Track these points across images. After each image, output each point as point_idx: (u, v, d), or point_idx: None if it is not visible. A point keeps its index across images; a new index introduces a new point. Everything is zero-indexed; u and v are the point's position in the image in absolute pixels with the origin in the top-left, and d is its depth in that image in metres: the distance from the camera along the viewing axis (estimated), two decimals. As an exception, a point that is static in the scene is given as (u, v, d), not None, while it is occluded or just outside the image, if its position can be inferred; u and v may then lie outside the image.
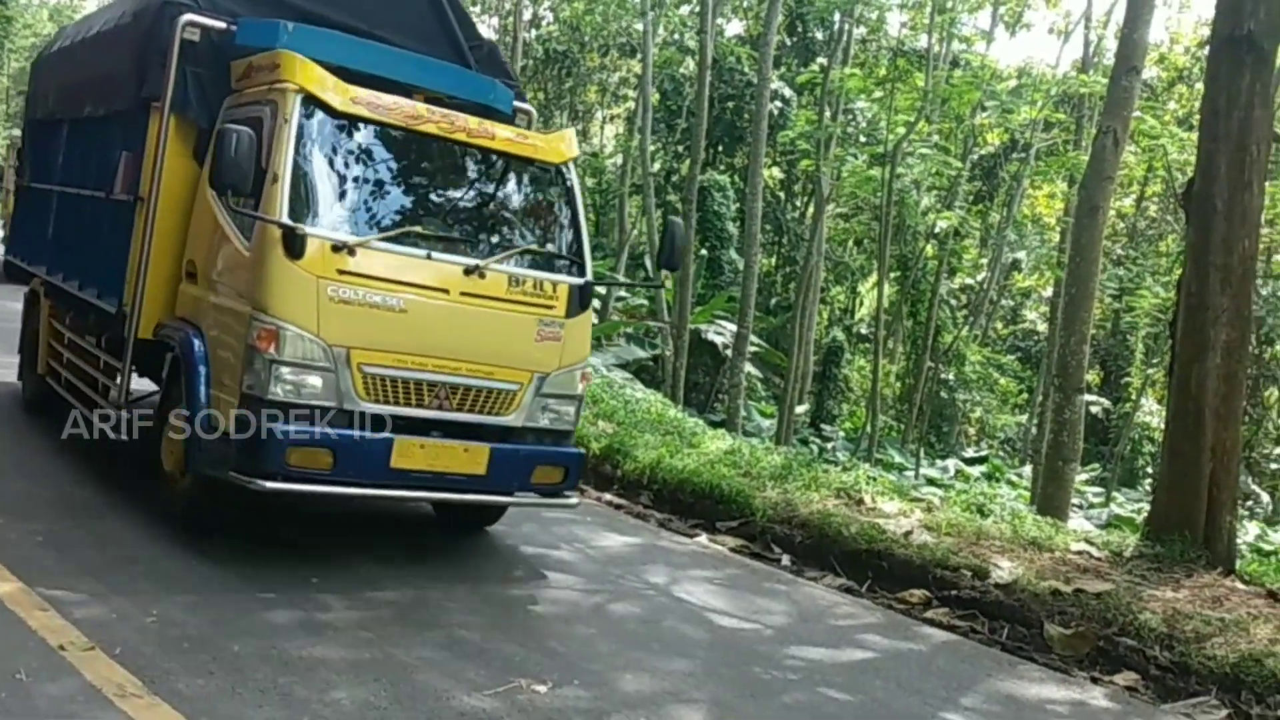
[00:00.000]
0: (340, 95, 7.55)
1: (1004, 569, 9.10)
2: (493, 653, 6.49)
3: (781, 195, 37.90)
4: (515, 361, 7.94)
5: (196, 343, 7.76)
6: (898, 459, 23.39)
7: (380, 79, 8.09)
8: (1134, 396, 27.00)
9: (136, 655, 5.62)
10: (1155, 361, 20.31)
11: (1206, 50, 11.62)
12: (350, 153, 7.79)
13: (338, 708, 5.46)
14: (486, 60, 9.71)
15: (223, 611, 6.53)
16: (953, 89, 24.10)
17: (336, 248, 7.25)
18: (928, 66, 25.64)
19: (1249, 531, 11.98)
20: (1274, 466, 17.09)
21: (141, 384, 8.94)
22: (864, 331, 36.63)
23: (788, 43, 34.73)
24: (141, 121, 8.52)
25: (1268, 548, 11.40)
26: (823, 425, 30.28)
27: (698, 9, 23.66)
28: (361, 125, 7.72)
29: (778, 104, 30.97)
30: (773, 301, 36.05)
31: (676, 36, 36.17)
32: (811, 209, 32.72)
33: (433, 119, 7.89)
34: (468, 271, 7.67)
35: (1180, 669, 7.72)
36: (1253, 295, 10.53)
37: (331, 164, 7.71)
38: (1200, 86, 11.70)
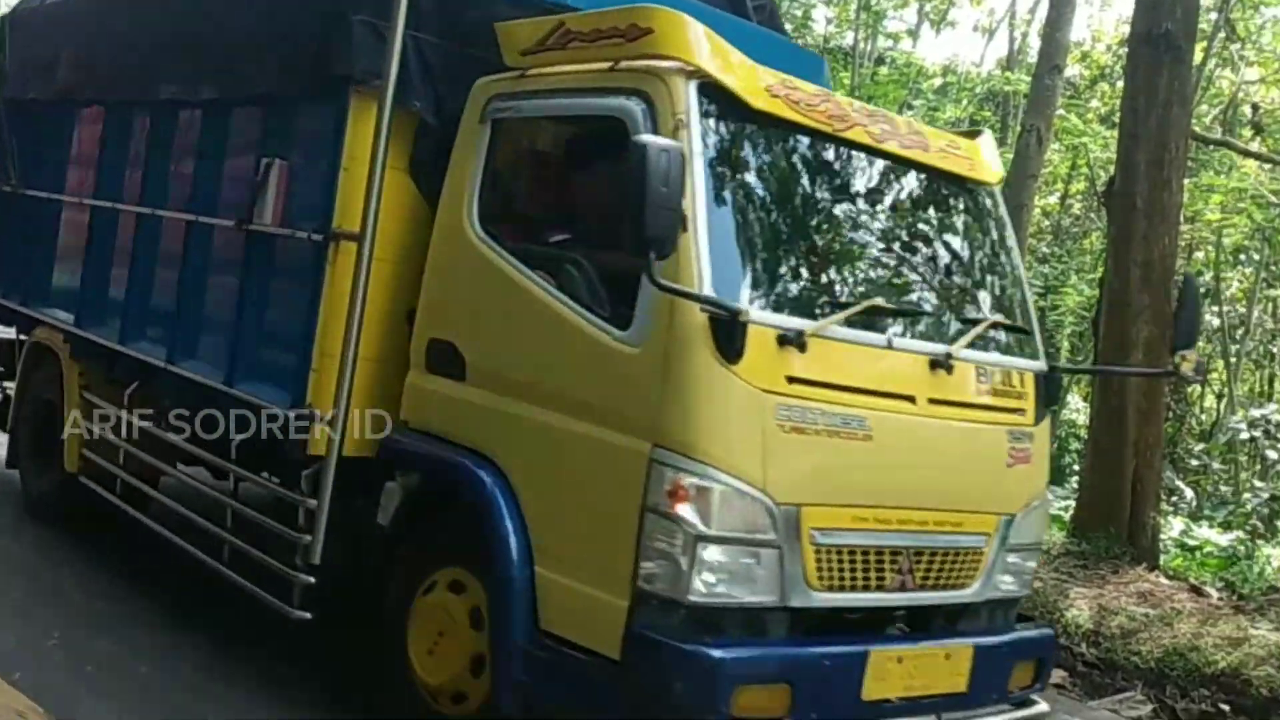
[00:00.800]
0: (751, 82, 4.72)
1: (931, 568, 9.09)
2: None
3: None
4: (983, 501, 5.14)
5: (491, 483, 4.82)
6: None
7: None
8: (1060, 394, 27.26)
9: (38, 680, 5.34)
10: (1080, 359, 20.48)
11: (1127, 49, 11.74)
12: (767, 177, 5.03)
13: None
14: (768, 23, 7.02)
15: (129, 634, 6.23)
16: (879, 86, 24.18)
17: (784, 339, 4.39)
18: (854, 64, 25.65)
19: (1174, 527, 12.15)
20: (1196, 463, 17.33)
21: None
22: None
23: (714, 42, 34.81)
24: (315, 113, 5.78)
25: (1192, 543, 11.56)
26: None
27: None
28: (777, 132, 4.91)
29: (705, 103, 30.96)
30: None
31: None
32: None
33: (859, 120, 5.07)
34: (934, 365, 4.87)
35: (1107, 665, 7.82)
36: (1173, 292, 10.63)
37: (751, 197, 4.91)
38: (1122, 85, 11.81)
